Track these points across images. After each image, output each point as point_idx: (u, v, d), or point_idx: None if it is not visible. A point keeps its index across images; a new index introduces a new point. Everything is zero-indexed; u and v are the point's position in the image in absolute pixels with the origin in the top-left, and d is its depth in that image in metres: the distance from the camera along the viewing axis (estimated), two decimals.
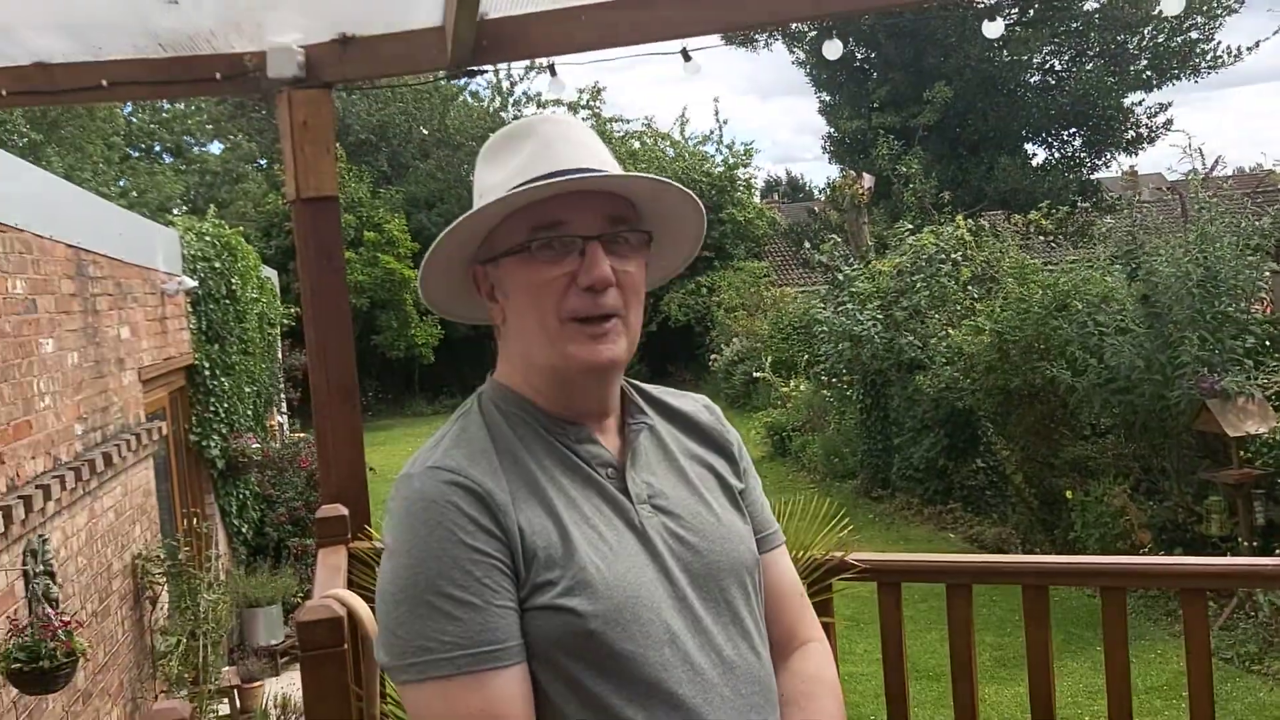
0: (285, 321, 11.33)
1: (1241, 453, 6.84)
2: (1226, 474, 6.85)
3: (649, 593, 1.24)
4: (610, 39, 2.94)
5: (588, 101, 25.59)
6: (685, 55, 3.90)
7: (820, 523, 2.26)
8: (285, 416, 12.76)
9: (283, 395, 11.76)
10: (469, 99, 26.21)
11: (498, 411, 1.33)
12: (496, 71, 25.43)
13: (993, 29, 5.08)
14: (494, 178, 1.34)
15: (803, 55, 20.55)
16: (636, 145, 24.42)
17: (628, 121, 25.77)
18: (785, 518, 2.26)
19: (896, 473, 10.53)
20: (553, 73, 4.40)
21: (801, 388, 14.32)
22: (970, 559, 2.34)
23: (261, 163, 25.96)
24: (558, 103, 24.41)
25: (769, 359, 16.46)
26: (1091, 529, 7.57)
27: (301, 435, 10.88)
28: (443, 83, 23.91)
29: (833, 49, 5.36)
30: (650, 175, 1.31)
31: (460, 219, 1.30)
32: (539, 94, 25.84)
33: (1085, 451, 8.19)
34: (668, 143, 24.97)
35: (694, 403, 1.49)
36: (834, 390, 12.10)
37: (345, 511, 2.79)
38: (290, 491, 8.94)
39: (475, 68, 2.95)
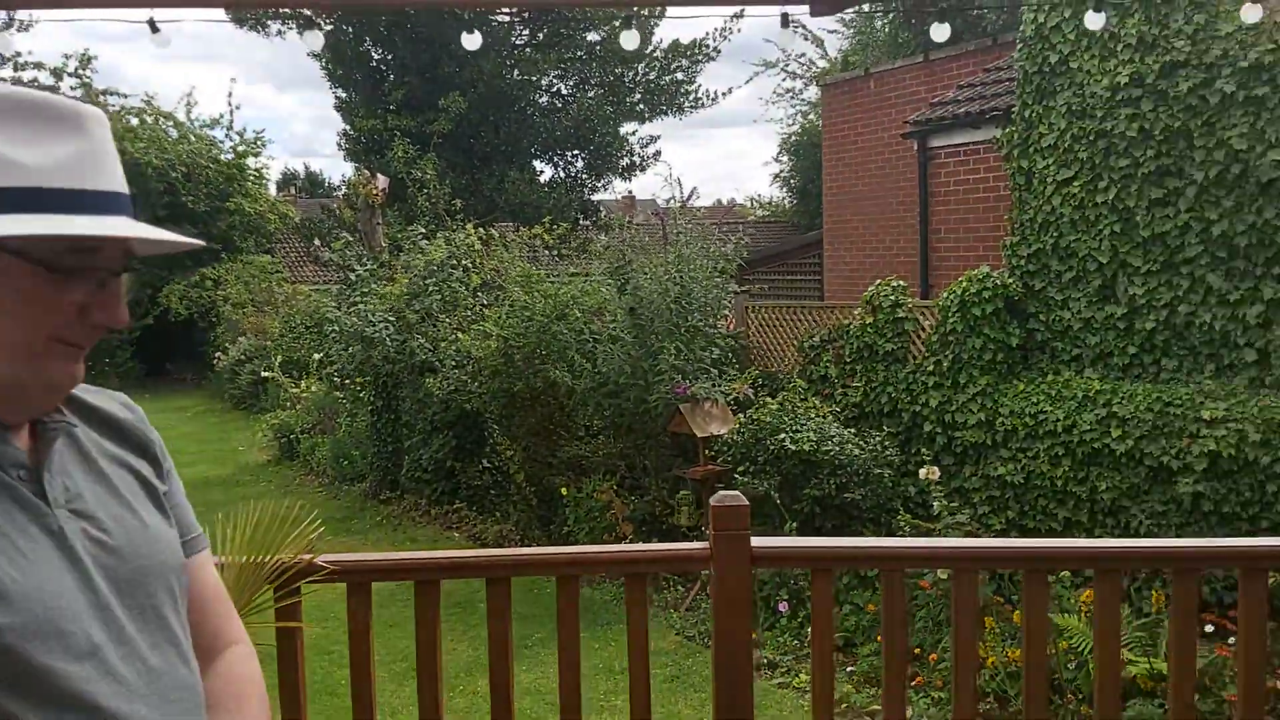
0: None
1: (707, 451, 7.72)
2: (694, 470, 7.69)
3: (69, 603, 1.16)
4: None
5: (75, 69, 22.95)
6: (152, 26, 3.63)
7: (290, 525, 2.22)
8: None
9: None
10: None
11: None
12: None
13: (470, 41, 5.27)
14: (22, 154, 1.14)
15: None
16: (135, 122, 22.30)
17: (124, 96, 23.26)
18: (252, 524, 2.19)
19: (406, 474, 10.59)
20: (7, 25, 3.90)
21: (313, 388, 13.94)
22: (437, 555, 2.42)
23: None
24: (39, 66, 21.73)
25: (279, 358, 15.86)
26: (583, 523, 8.14)
27: None
28: None
29: (313, 40, 5.27)
30: (200, 243, 1.30)
31: (61, 228, 1.12)
32: (16, 55, 22.72)
33: (580, 451, 8.77)
34: (171, 123, 23.07)
35: (112, 400, 1.40)
36: (348, 391, 11.93)
37: None
38: None
39: None
